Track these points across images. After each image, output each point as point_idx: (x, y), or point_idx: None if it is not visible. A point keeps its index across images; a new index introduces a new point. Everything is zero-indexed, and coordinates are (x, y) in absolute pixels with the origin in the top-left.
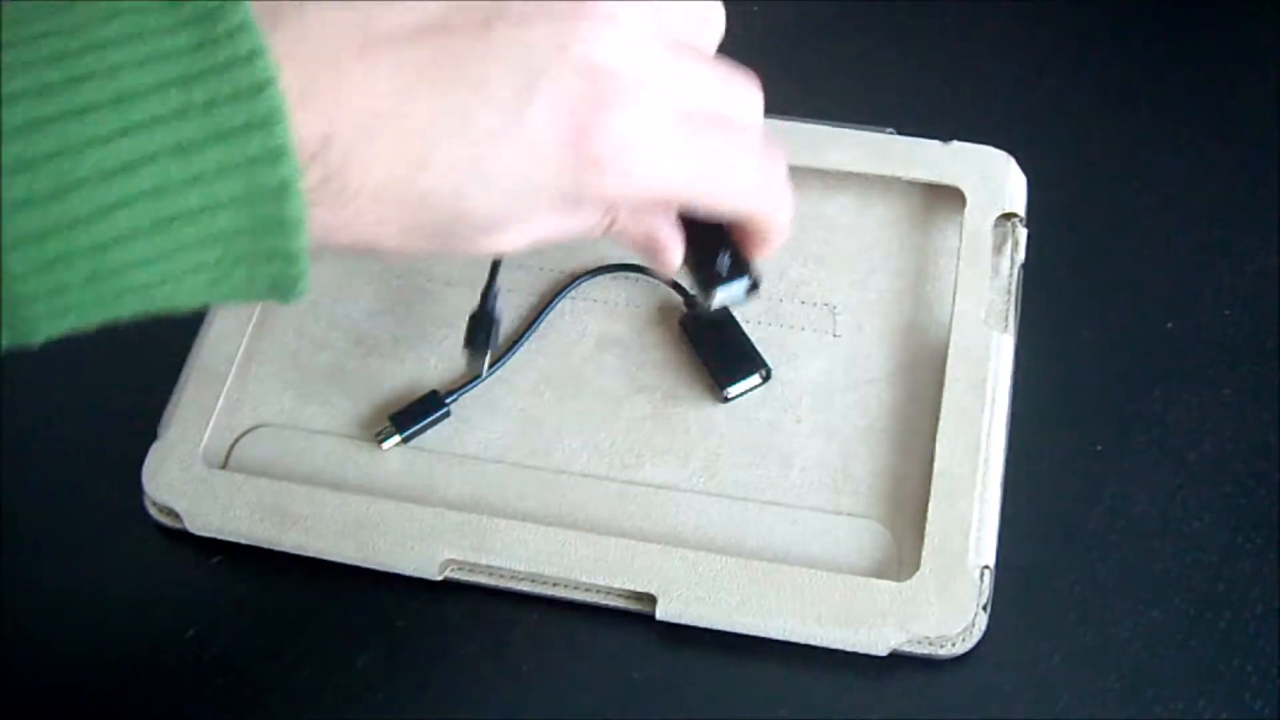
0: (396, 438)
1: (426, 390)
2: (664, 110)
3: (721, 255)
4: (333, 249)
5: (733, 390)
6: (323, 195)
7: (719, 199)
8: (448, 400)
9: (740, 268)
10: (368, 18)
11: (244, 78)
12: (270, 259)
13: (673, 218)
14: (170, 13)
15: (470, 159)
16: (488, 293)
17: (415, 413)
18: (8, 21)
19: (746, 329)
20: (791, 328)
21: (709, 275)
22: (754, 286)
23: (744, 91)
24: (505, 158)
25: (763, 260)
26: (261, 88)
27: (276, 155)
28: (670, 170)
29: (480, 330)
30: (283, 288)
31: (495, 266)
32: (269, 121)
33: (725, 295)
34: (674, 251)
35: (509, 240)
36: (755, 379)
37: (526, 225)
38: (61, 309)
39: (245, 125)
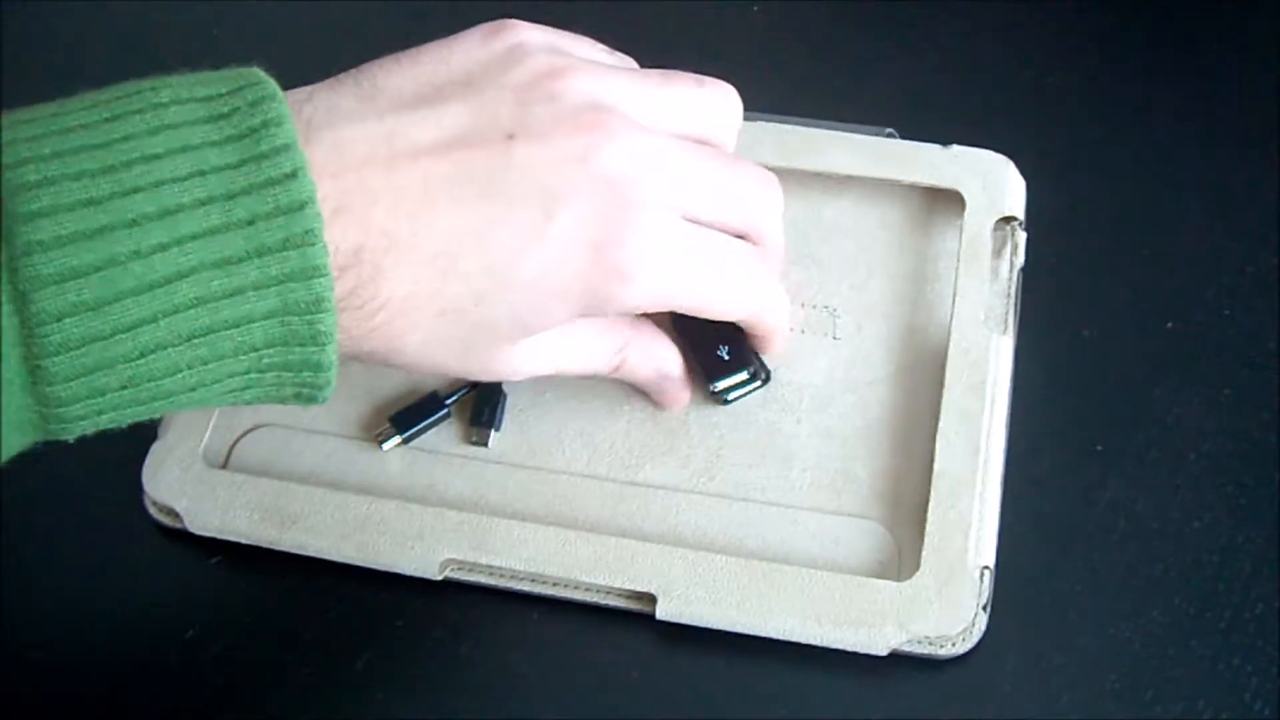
0: (397, 439)
1: (426, 391)
2: (678, 215)
3: (722, 346)
4: (357, 357)
5: (727, 389)
6: (351, 305)
7: (723, 308)
8: (448, 401)
9: (742, 357)
10: (393, 132)
11: (284, 196)
12: (300, 369)
13: (675, 350)
14: (215, 129)
15: (492, 271)
16: None
17: (415, 414)
18: (57, 131)
19: None
20: (791, 330)
21: (708, 359)
22: (756, 376)
23: (758, 189)
24: (528, 269)
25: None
26: (301, 206)
27: (313, 272)
28: (679, 277)
29: (485, 406)
30: (306, 394)
31: None
32: (307, 239)
33: (730, 384)
34: (681, 392)
35: (527, 359)
36: (755, 384)
37: (545, 342)
38: (96, 411)
39: (284, 242)
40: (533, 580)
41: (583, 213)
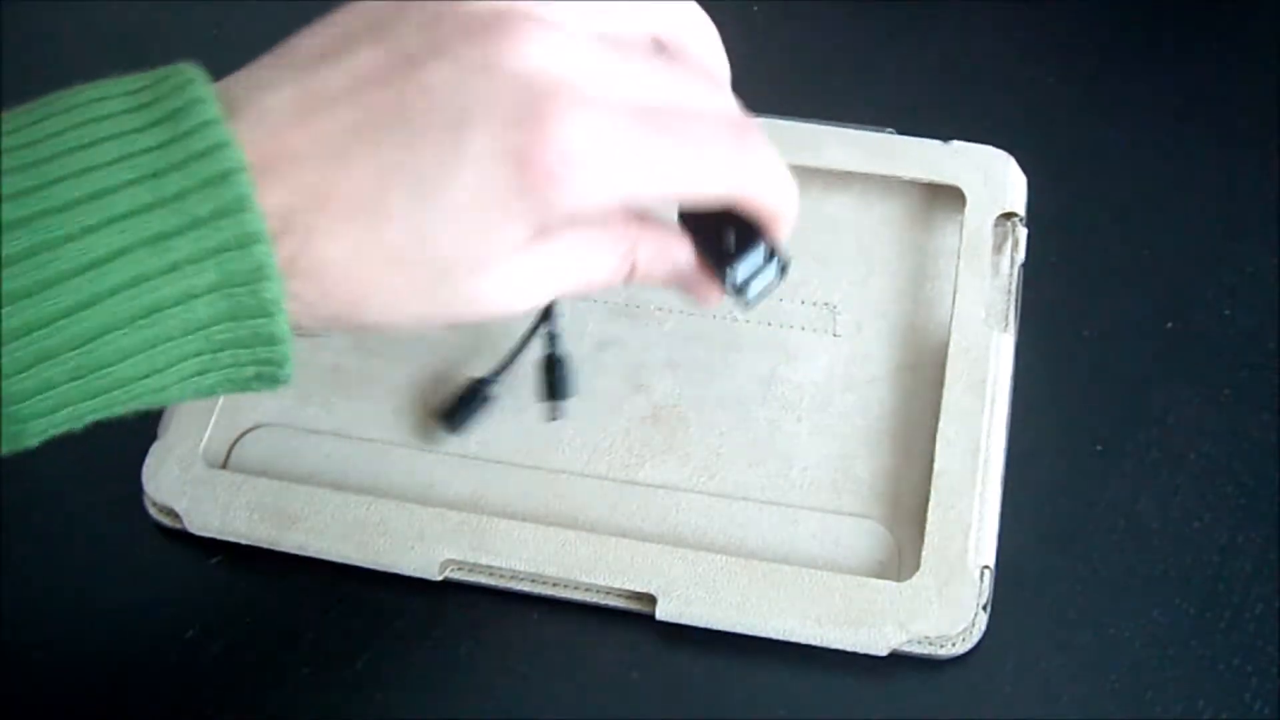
0: (453, 436)
1: (426, 390)
2: (612, 108)
3: (726, 232)
4: (318, 326)
5: (746, 280)
6: (296, 271)
7: (695, 188)
8: (491, 383)
9: (750, 239)
10: (307, 89)
11: (210, 168)
12: (253, 344)
13: (688, 243)
14: (139, 115)
15: (422, 206)
16: (551, 334)
17: (462, 404)
18: None
19: (746, 328)
20: (791, 327)
21: (718, 255)
22: (773, 257)
23: (698, 78)
24: (457, 194)
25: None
26: (227, 176)
27: (248, 240)
28: (633, 169)
29: (551, 375)
30: (268, 374)
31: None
32: (237, 208)
33: (746, 272)
34: (710, 286)
35: (513, 290)
36: (773, 268)
37: (531, 267)
38: (51, 407)
39: (215, 213)
40: (533, 580)
41: (496, 121)
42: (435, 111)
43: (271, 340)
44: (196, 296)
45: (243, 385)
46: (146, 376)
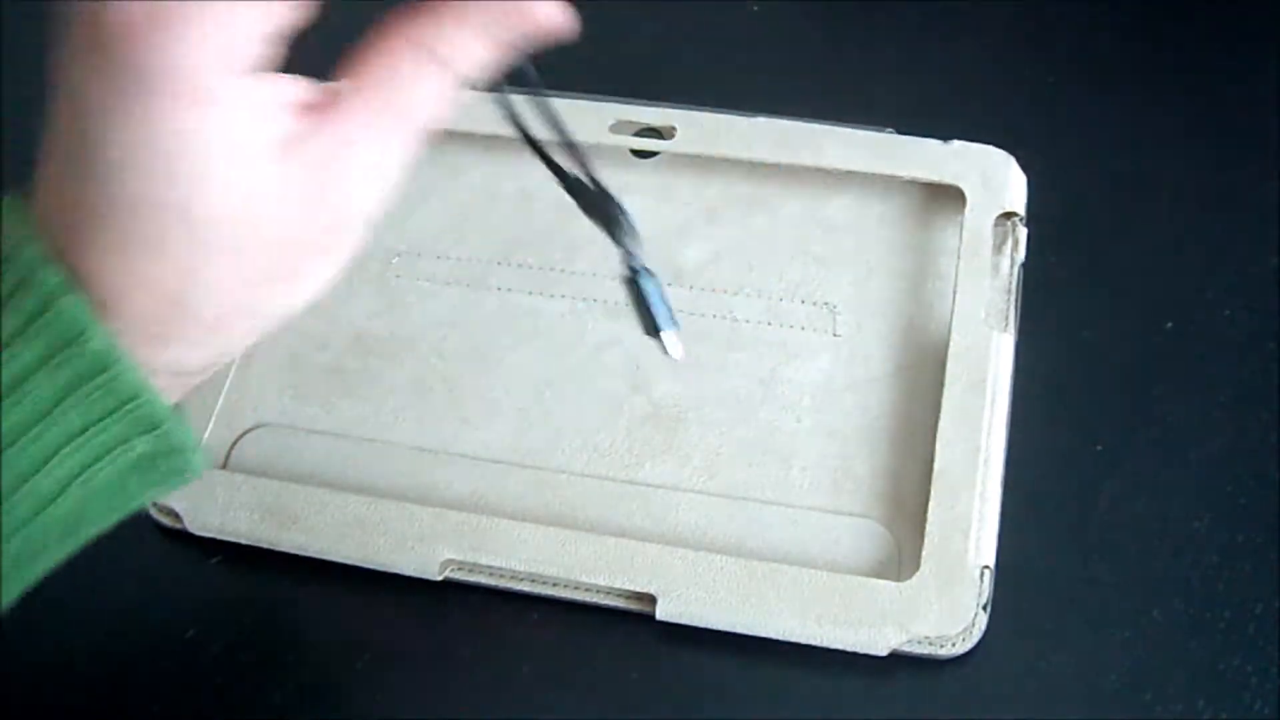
0: (673, 334)
1: (427, 391)
2: None
3: None
4: (196, 356)
5: None
6: (108, 312)
7: None
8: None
9: None
10: (48, 139)
11: (5, 247)
12: (116, 409)
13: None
14: None
15: (106, 171)
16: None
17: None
18: None
19: (746, 328)
20: (791, 327)
21: None
22: None
23: None
24: (112, 143)
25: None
26: (19, 247)
27: (52, 296)
28: None
29: (642, 307)
30: (162, 442)
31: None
32: (33, 269)
33: None
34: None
35: (314, 206)
36: None
37: (294, 177)
38: None
39: (17, 286)
40: (533, 580)
41: (77, 41)
42: (62, 78)
43: (131, 396)
44: (28, 376)
45: (149, 469)
46: (29, 479)
